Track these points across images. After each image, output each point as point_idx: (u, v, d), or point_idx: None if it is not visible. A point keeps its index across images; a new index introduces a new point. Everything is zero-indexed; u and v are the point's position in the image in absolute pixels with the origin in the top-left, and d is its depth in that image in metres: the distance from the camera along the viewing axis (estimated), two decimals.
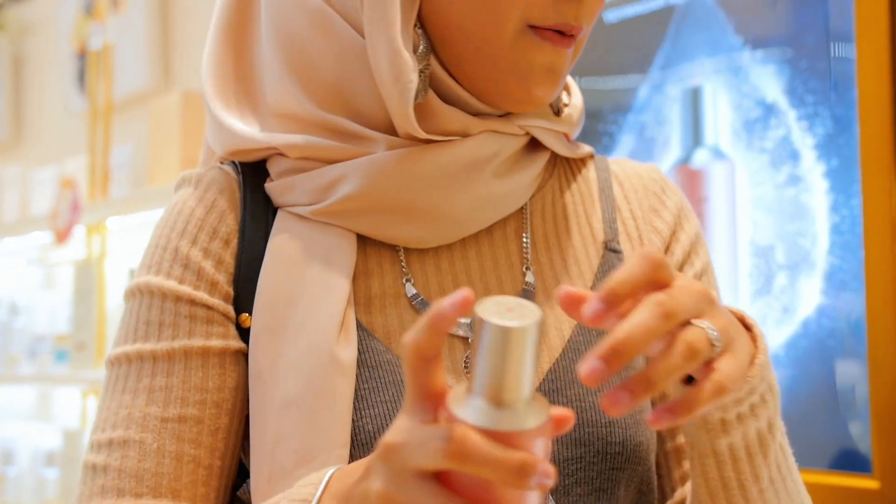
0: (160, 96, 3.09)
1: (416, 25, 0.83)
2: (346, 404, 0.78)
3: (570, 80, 0.94)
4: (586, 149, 0.97)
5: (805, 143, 1.64)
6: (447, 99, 0.84)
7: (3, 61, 4.33)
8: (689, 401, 0.57)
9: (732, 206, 1.66)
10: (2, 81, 4.33)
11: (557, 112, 0.91)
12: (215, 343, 0.83)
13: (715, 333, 0.59)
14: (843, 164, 1.57)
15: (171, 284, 0.83)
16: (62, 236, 3.10)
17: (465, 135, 0.84)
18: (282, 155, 0.87)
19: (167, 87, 3.39)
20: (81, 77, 3.75)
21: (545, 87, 0.83)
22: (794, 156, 1.62)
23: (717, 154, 1.68)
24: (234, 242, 0.86)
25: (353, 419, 0.79)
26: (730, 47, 1.67)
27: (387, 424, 0.77)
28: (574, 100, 0.94)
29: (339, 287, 0.81)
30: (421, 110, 0.82)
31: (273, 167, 0.88)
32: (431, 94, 0.83)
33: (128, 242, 3.32)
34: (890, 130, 1.57)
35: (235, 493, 0.86)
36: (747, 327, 0.70)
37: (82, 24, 3.73)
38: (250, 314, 0.83)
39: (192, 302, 0.83)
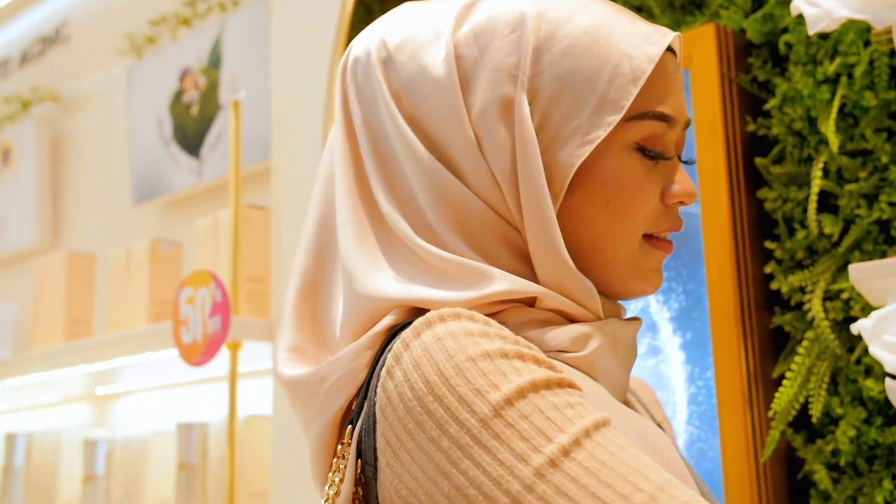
0: (46, 255, 3.08)
1: None
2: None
3: None
4: None
5: (662, 315, 1.70)
6: None
7: None
8: None
9: None
10: None
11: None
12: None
13: None
14: (696, 336, 1.64)
15: (558, 377, 0.78)
16: None
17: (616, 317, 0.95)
18: (522, 307, 0.89)
19: (54, 246, 3.38)
20: None
21: (655, 285, 0.95)
22: (653, 328, 1.69)
23: None
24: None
25: None
26: None
27: None
28: None
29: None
30: None
31: (516, 322, 0.87)
32: None
33: (6, 405, 3.27)
34: (736, 307, 1.64)
35: None
36: None
37: None
38: None
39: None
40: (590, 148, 0.87)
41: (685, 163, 0.96)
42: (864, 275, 1.38)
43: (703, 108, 1.68)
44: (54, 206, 3.46)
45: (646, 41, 0.88)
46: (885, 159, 1.58)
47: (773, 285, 1.67)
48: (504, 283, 0.85)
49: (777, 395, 1.61)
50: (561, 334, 0.88)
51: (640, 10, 1.88)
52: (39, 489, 2.73)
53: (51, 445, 2.77)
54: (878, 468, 1.54)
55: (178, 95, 2.94)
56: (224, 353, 2.15)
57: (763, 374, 1.65)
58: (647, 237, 0.93)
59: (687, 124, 0.94)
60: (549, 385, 0.75)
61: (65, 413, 3.24)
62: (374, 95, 0.93)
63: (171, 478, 2.26)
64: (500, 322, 0.83)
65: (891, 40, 1.50)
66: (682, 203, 0.93)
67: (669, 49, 0.91)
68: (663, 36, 0.90)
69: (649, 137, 0.90)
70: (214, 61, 2.84)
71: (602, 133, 0.87)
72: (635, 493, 0.68)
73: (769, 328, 1.68)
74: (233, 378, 2.17)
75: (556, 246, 0.88)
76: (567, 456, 0.70)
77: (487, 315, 0.83)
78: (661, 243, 0.94)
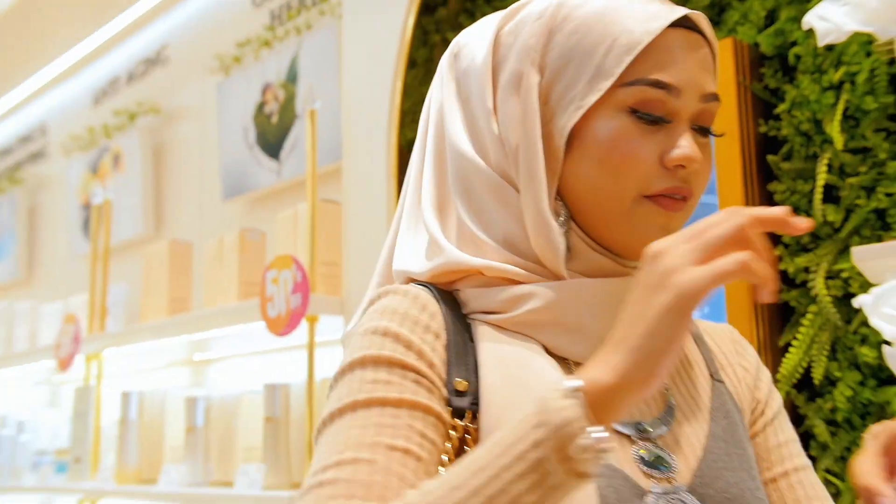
0: (152, 243, 3.10)
1: (556, 197, 0.87)
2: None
3: None
4: None
5: None
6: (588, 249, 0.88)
7: (19, 211, 4.34)
8: None
9: None
10: (18, 228, 4.32)
11: None
12: (435, 406, 0.81)
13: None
14: (713, 310, 1.62)
15: (399, 357, 0.82)
16: (64, 364, 3.06)
17: (609, 276, 0.87)
18: (479, 275, 0.88)
19: (158, 236, 3.40)
20: (85, 226, 3.76)
21: None
22: None
23: None
24: (444, 337, 0.85)
25: None
26: None
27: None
28: None
29: (552, 370, 0.82)
30: (571, 254, 0.87)
31: (465, 284, 0.89)
32: (578, 242, 0.87)
33: (121, 369, 3.30)
34: (749, 285, 1.61)
35: None
36: None
37: (88, 182, 3.77)
38: (467, 382, 0.82)
39: (417, 371, 0.81)
40: (582, 111, 0.84)
41: (713, 135, 0.89)
42: (865, 256, 1.36)
43: (721, 113, 1.64)
44: (157, 202, 3.48)
45: (652, 18, 0.83)
46: (883, 156, 1.55)
47: (782, 266, 1.65)
48: (442, 258, 0.88)
49: (784, 360, 1.60)
50: (493, 298, 0.86)
51: None
52: (150, 438, 2.76)
53: (158, 402, 2.79)
54: (870, 423, 1.51)
55: (261, 107, 2.93)
56: (303, 326, 2.16)
57: (771, 342, 1.63)
58: (650, 197, 0.85)
59: (708, 97, 0.86)
60: (363, 364, 0.81)
61: (169, 375, 3.27)
62: (442, 82, 0.96)
63: (259, 429, 2.27)
64: (459, 286, 0.89)
65: (890, 50, 1.47)
66: (681, 167, 0.84)
67: (690, 28, 0.85)
68: (671, 12, 0.84)
69: (644, 102, 0.83)
70: (292, 77, 2.83)
71: (594, 98, 0.83)
72: (333, 455, 0.76)
73: (777, 303, 1.66)
74: (311, 346, 2.19)
75: (537, 201, 0.85)
76: (332, 420, 0.79)
77: (454, 281, 0.90)
78: (664, 200, 0.85)
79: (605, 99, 0.84)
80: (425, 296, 0.88)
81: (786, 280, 1.66)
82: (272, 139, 2.88)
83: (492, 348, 0.84)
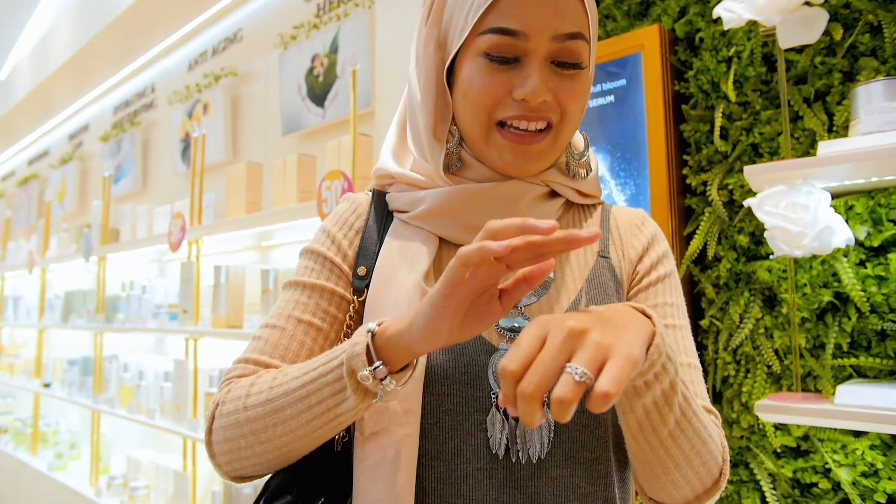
0: (232, 164, 2.91)
1: (452, 123, 0.75)
2: None
3: (591, 154, 0.82)
4: (597, 199, 0.84)
5: (619, 198, 1.57)
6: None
7: (137, 144, 4.08)
8: (590, 406, 0.46)
9: None
10: (136, 156, 4.07)
11: (575, 175, 0.79)
12: (339, 290, 0.76)
13: (579, 371, 0.46)
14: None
15: (323, 250, 0.78)
16: (174, 247, 2.90)
17: (494, 181, 0.75)
18: (400, 183, 0.80)
19: (236, 160, 3.20)
20: (183, 153, 3.54)
21: (514, 167, 0.73)
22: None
23: None
24: (362, 232, 0.79)
25: None
26: None
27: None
28: (592, 170, 0.81)
29: (423, 261, 0.73)
30: (463, 166, 0.76)
31: (393, 188, 0.81)
32: (468, 157, 0.76)
33: (213, 250, 3.15)
34: (666, 194, 1.52)
35: None
36: (649, 316, 0.58)
37: (186, 122, 3.54)
38: (366, 268, 0.76)
39: (332, 261, 0.77)
40: (451, 57, 0.73)
41: (573, 66, 0.70)
42: (752, 172, 1.27)
43: (650, 76, 1.54)
44: (234, 137, 3.26)
45: None
46: (758, 107, 1.46)
47: (688, 181, 1.55)
48: (377, 164, 0.81)
49: (689, 246, 1.52)
50: (403, 199, 0.78)
51: (607, 17, 1.70)
52: (235, 297, 2.63)
53: (240, 273, 2.65)
54: (741, 286, 1.46)
55: (311, 70, 2.72)
56: None
57: (679, 232, 1.55)
58: (501, 126, 0.71)
59: (562, 37, 0.68)
60: (304, 253, 0.78)
61: (246, 256, 3.12)
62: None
63: None
64: (389, 190, 0.81)
65: (767, 35, 1.37)
66: (525, 101, 0.69)
67: None
68: None
69: (494, 46, 0.69)
70: (333, 49, 2.62)
71: (457, 46, 0.72)
72: (268, 318, 0.75)
73: (684, 205, 1.57)
74: None
75: (425, 126, 0.75)
76: (284, 289, 0.77)
77: (390, 185, 0.80)
78: (510, 134, 0.71)
79: (467, 46, 0.71)
80: (364, 199, 0.81)
81: (691, 190, 1.57)
82: (319, 93, 2.68)
83: (393, 239, 0.76)
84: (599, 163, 1.56)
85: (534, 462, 0.69)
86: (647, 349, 0.56)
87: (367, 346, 0.61)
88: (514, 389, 0.47)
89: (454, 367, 0.70)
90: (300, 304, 0.74)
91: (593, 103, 1.61)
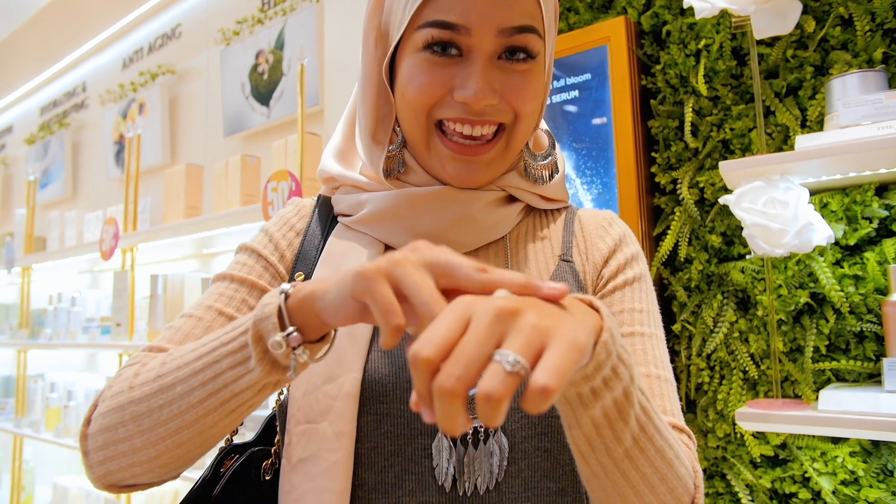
0: (170, 168, 2.73)
1: (396, 124, 0.68)
2: (365, 339, 0.63)
3: (558, 153, 0.73)
4: (562, 203, 0.76)
5: (586, 197, 1.50)
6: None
7: (66, 146, 3.82)
8: (525, 405, 0.34)
9: None
10: (65, 159, 3.81)
11: (537, 179, 0.71)
12: (270, 289, 0.69)
13: (511, 358, 0.34)
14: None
15: (259, 248, 0.72)
16: (106, 255, 2.69)
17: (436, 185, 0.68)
18: (345, 186, 0.75)
19: (174, 162, 3.01)
20: (119, 155, 3.31)
21: (451, 174, 0.65)
22: (580, 206, 1.49)
23: None
24: (303, 234, 0.73)
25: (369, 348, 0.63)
26: None
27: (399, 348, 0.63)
28: (558, 172, 0.73)
29: (364, 259, 0.67)
30: (407, 170, 0.69)
31: (338, 191, 0.75)
32: (411, 160, 0.68)
33: (150, 259, 2.95)
34: (634, 192, 1.45)
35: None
36: (597, 309, 0.46)
37: (120, 123, 3.32)
38: (304, 274, 0.70)
39: (267, 261, 0.71)
40: (388, 54, 0.65)
41: (523, 59, 0.63)
42: (727, 168, 1.21)
43: (617, 70, 1.47)
44: (172, 139, 3.07)
45: None
46: (728, 102, 1.40)
47: (657, 179, 1.49)
48: (320, 166, 0.76)
49: (660, 247, 1.45)
50: (346, 202, 0.73)
51: (569, 9, 1.63)
52: (173, 309, 2.45)
53: (179, 282, 2.47)
54: (714, 289, 1.40)
55: (255, 67, 2.57)
56: None
57: (649, 233, 1.48)
58: (443, 131, 0.64)
59: (509, 31, 0.61)
60: (240, 249, 0.73)
61: (185, 264, 2.93)
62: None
63: None
64: (334, 194, 0.76)
65: (737, 28, 1.32)
66: (465, 104, 0.61)
67: None
68: None
69: (433, 41, 0.61)
70: (279, 45, 2.48)
71: (394, 41, 0.64)
72: (188, 308, 0.68)
73: (653, 205, 1.50)
74: None
75: (364, 128, 0.69)
76: (212, 282, 0.70)
77: (337, 188, 0.75)
78: (452, 143, 0.63)
79: (406, 42, 0.63)
80: (309, 203, 0.75)
81: (660, 189, 1.50)
82: (263, 91, 2.53)
83: (334, 243, 0.69)
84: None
85: (483, 494, 0.58)
86: (594, 347, 0.44)
87: (280, 307, 0.49)
88: (429, 384, 0.34)
89: (395, 383, 0.60)
90: (224, 296, 0.68)
91: (556, 98, 1.53)
